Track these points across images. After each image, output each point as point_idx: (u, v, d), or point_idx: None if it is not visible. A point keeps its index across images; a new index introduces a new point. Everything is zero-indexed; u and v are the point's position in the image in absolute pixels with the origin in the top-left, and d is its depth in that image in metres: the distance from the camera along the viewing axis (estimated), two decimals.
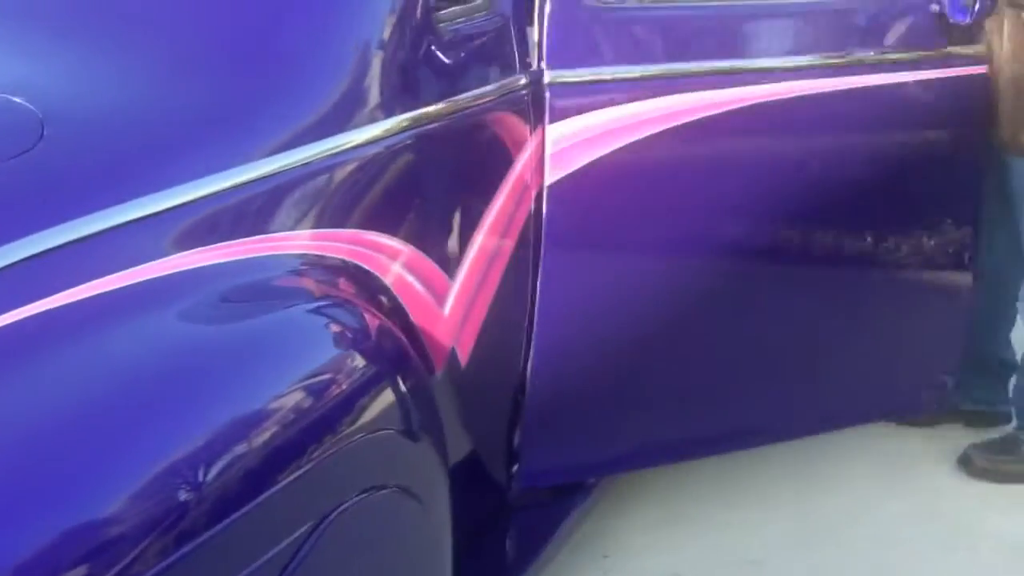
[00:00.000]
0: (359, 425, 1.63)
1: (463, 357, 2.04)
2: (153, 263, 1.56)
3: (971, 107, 2.69)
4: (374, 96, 1.91)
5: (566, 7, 2.16)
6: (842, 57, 2.49)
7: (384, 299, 1.85)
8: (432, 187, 2.01)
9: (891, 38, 2.57)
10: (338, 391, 1.61)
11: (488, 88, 2.08)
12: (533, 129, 2.14)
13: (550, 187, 2.15)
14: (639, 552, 2.68)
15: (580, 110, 2.17)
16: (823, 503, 2.87)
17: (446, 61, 2.04)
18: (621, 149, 2.20)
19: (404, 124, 1.92)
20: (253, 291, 1.66)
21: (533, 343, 2.21)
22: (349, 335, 1.69)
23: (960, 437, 3.09)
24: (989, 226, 2.86)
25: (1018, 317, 3.01)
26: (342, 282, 1.77)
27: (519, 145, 2.13)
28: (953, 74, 2.62)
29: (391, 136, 1.90)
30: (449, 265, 2.00)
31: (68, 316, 1.45)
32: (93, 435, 1.34)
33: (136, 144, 1.68)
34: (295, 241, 1.75)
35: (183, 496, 1.35)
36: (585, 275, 2.26)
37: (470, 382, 2.07)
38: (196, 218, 1.64)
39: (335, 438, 1.58)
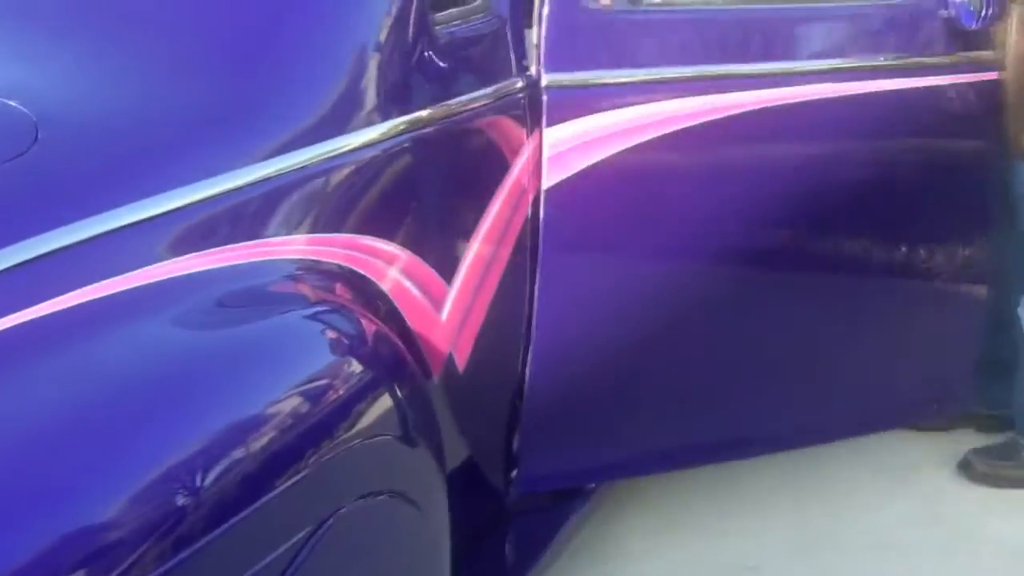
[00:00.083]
0: (356, 431, 1.62)
1: (461, 362, 2.03)
2: (148, 268, 1.55)
3: (981, 113, 2.67)
4: (370, 99, 1.91)
5: (564, 10, 2.16)
6: (847, 62, 2.47)
7: (381, 304, 1.84)
8: (429, 191, 1.99)
9: (899, 43, 2.55)
10: (334, 397, 1.61)
11: (485, 91, 2.07)
12: (530, 133, 2.13)
13: (547, 191, 2.14)
14: (638, 558, 2.67)
15: (578, 114, 2.16)
16: (822, 508, 2.86)
17: (443, 64, 2.03)
18: (619, 153, 2.19)
19: (400, 128, 1.91)
20: (249, 296, 1.65)
21: (531, 348, 2.20)
22: (345, 341, 1.68)
23: (960, 441, 3.08)
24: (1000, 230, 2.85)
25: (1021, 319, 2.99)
26: (338, 287, 1.76)
27: (516, 149, 2.12)
28: (963, 80, 2.60)
29: (387, 140, 1.89)
30: (446, 270, 1.99)
31: (63, 321, 1.44)
32: (88, 441, 1.33)
33: (131, 148, 1.67)
34: (291, 246, 1.74)
35: (179, 502, 1.34)
36: (583, 280, 2.25)
37: (468, 387, 2.06)
38: (191, 222, 1.63)
39: (332, 444, 1.57)
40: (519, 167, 2.12)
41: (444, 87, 2.02)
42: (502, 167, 2.10)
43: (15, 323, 1.38)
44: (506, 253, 2.12)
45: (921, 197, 2.63)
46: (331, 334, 1.68)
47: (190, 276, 1.60)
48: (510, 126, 2.12)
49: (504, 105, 2.10)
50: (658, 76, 2.26)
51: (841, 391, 2.69)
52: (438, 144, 2.00)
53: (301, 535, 1.49)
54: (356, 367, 1.66)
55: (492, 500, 2.31)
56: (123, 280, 1.51)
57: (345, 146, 1.83)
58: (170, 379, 1.46)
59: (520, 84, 2.13)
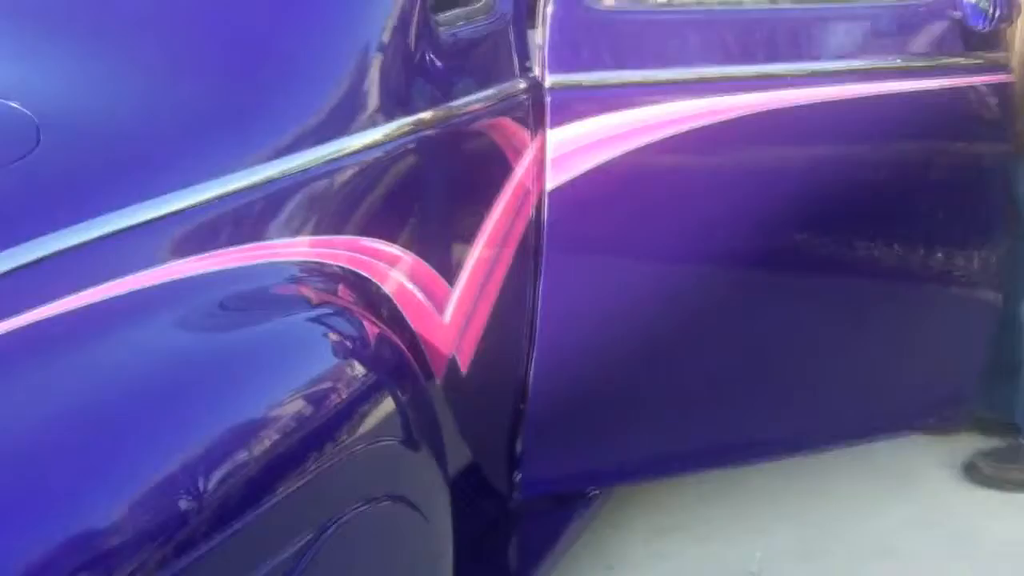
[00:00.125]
0: (358, 435, 1.61)
1: (464, 365, 2.02)
2: (151, 270, 1.54)
3: (989, 115, 2.65)
4: (373, 101, 1.89)
5: (568, 11, 2.14)
6: (852, 64, 2.46)
7: (383, 307, 1.83)
8: (432, 193, 1.98)
9: (906, 45, 2.53)
10: (337, 401, 1.60)
11: (488, 92, 2.06)
12: (534, 134, 2.12)
13: (551, 193, 2.13)
14: (641, 562, 2.67)
15: (582, 115, 2.15)
16: (825, 512, 2.86)
17: (446, 65, 2.02)
18: (623, 155, 2.17)
19: (403, 129, 1.90)
20: (251, 299, 1.64)
21: (534, 350, 2.19)
22: (348, 344, 1.67)
23: (964, 444, 3.08)
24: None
25: None
26: (341, 290, 1.75)
27: (519, 150, 2.11)
28: (972, 81, 2.58)
29: (390, 141, 1.88)
30: (449, 272, 1.98)
31: (64, 324, 1.43)
32: (90, 445, 1.32)
33: (133, 150, 1.66)
34: (293, 248, 1.73)
35: (181, 507, 1.34)
36: (587, 282, 2.23)
37: (471, 390, 2.05)
38: (193, 225, 1.62)
39: (334, 448, 1.57)
40: (522, 168, 2.11)
41: (447, 88, 2.01)
42: (505, 168, 2.09)
43: (17, 326, 1.38)
44: (509, 255, 2.11)
45: (927, 200, 2.62)
46: (333, 337, 1.67)
47: (193, 278, 1.59)
48: (513, 127, 2.10)
49: (507, 106, 2.09)
50: (663, 77, 2.25)
51: (847, 396, 2.66)
52: (441, 146, 1.99)
53: (304, 540, 1.48)
54: (358, 370, 1.65)
55: (495, 504, 2.30)
56: (125, 283, 1.51)
57: (348, 148, 1.82)
58: (171, 382, 1.45)
59: (523, 85, 2.12)
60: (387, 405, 1.68)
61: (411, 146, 1.92)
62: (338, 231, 1.80)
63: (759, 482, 2.91)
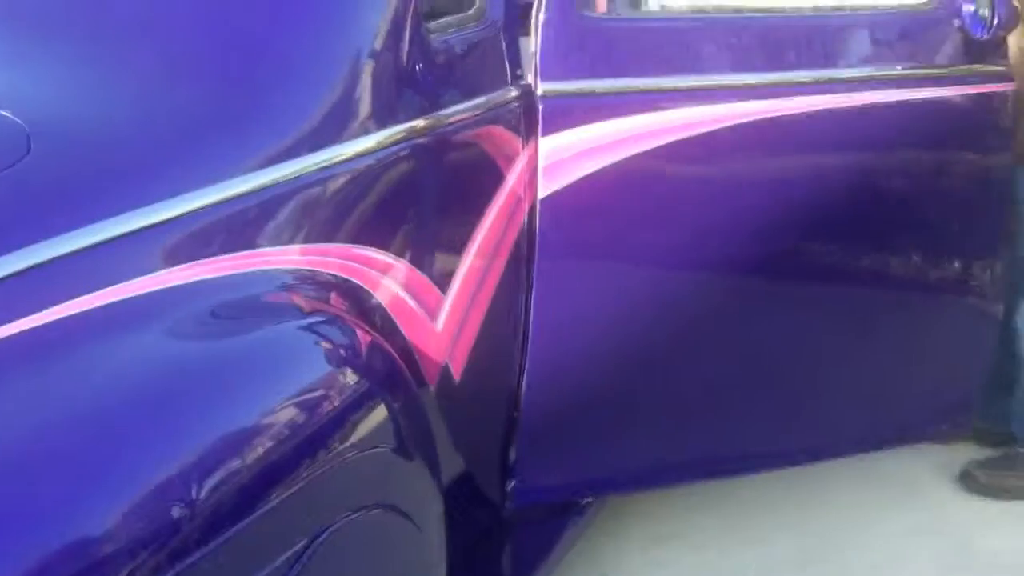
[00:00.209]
0: (350, 443, 1.61)
1: (456, 373, 2.02)
2: (141, 279, 1.54)
3: (990, 124, 2.65)
4: (364, 109, 1.89)
5: (561, 18, 2.14)
6: (848, 73, 2.45)
7: (376, 315, 1.83)
8: (424, 201, 1.98)
9: (905, 54, 2.53)
10: (329, 409, 1.59)
11: (480, 100, 2.06)
12: (526, 142, 2.12)
13: (543, 201, 2.12)
14: (637, 570, 2.66)
15: (574, 123, 2.14)
16: (823, 520, 2.85)
17: (438, 73, 2.02)
18: (615, 163, 2.17)
19: (395, 137, 1.90)
20: (242, 307, 1.63)
21: (527, 358, 2.19)
22: (340, 352, 1.67)
23: (960, 453, 3.07)
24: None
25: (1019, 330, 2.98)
26: (333, 298, 1.75)
27: (512, 158, 2.10)
28: (974, 90, 2.58)
29: (382, 149, 1.88)
30: (442, 280, 1.98)
31: (54, 333, 1.43)
32: (80, 453, 1.32)
33: (124, 158, 1.65)
34: (285, 256, 1.73)
35: (171, 516, 1.33)
36: (579, 290, 2.23)
37: (464, 398, 2.04)
38: (185, 233, 1.61)
39: (326, 456, 1.56)
40: (515, 176, 2.11)
41: (439, 96, 2.01)
42: (497, 176, 2.08)
43: (7, 334, 1.37)
44: (501, 263, 2.10)
45: (925, 209, 2.61)
46: (325, 345, 1.67)
47: (184, 287, 1.59)
48: (505, 135, 2.10)
49: (499, 114, 2.09)
50: (656, 86, 2.24)
51: (848, 406, 2.65)
52: (433, 153, 1.98)
53: (295, 549, 1.48)
54: (351, 378, 1.65)
55: (488, 512, 2.29)
56: (117, 291, 1.50)
57: (340, 156, 1.82)
58: (163, 391, 1.45)
59: (515, 93, 2.12)
60: (379, 413, 1.67)
61: (403, 154, 1.91)
62: (330, 239, 1.79)
63: (756, 490, 2.90)
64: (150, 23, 1.89)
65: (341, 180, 1.82)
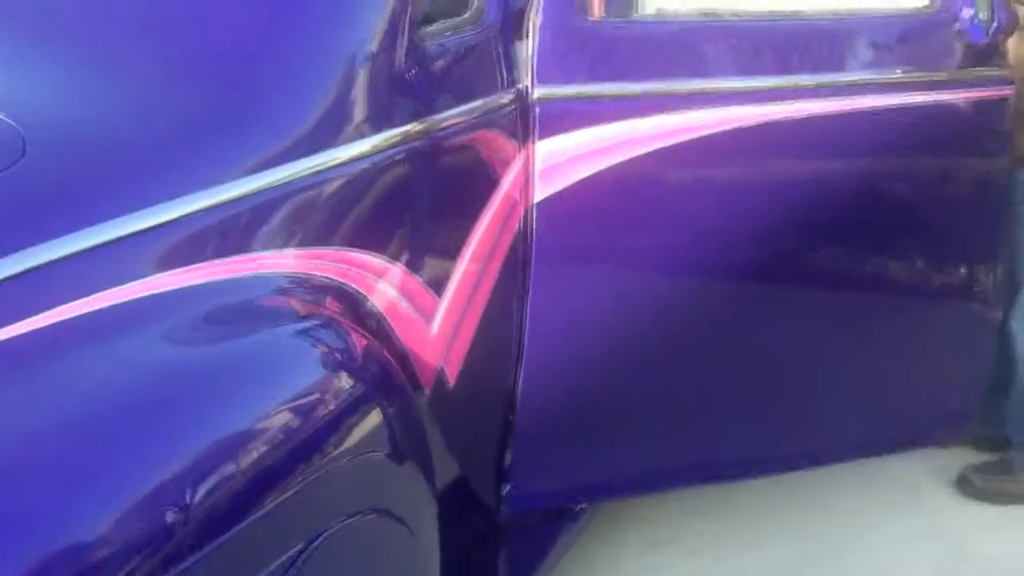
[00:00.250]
0: (344, 448, 1.61)
1: (451, 377, 2.01)
2: (136, 282, 1.54)
3: (989, 128, 2.64)
4: (360, 113, 1.89)
5: (556, 22, 2.14)
6: (846, 77, 2.45)
7: (370, 319, 1.82)
8: (419, 204, 1.97)
9: (905, 58, 2.52)
10: (323, 413, 1.59)
11: (476, 104, 2.05)
12: (521, 146, 2.12)
13: (538, 204, 2.12)
14: (634, 575, 2.65)
15: (569, 127, 2.14)
16: (819, 525, 2.85)
17: (433, 77, 2.02)
18: (610, 167, 2.17)
19: (391, 141, 1.90)
20: (237, 311, 1.63)
21: (523, 362, 2.18)
22: (334, 356, 1.67)
23: (957, 457, 3.07)
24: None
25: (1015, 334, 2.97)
26: (328, 302, 1.75)
27: (507, 162, 2.10)
28: (972, 95, 2.57)
29: (377, 153, 1.87)
30: (437, 283, 1.97)
31: (49, 337, 1.43)
32: (75, 458, 1.32)
33: (119, 161, 1.65)
34: (281, 260, 1.73)
35: (164, 521, 1.33)
36: (575, 293, 2.22)
37: (458, 402, 2.04)
38: (179, 237, 1.61)
39: (320, 461, 1.56)
40: (510, 180, 2.10)
41: (434, 100, 2.00)
42: (493, 180, 2.08)
43: (2, 338, 1.37)
44: (497, 267, 2.10)
45: (926, 215, 2.61)
46: (320, 349, 1.67)
47: (179, 291, 1.58)
48: (501, 139, 2.10)
49: (495, 118, 2.08)
50: (651, 89, 2.24)
51: (845, 412, 2.65)
52: (428, 157, 1.98)
53: (288, 555, 1.47)
54: (345, 383, 1.65)
55: (483, 518, 2.29)
56: (111, 295, 1.50)
57: (335, 159, 1.82)
58: (158, 395, 1.45)
59: (511, 97, 2.11)
60: (374, 418, 1.67)
61: (398, 158, 1.91)
62: (326, 243, 1.79)
63: (753, 495, 2.90)
64: (146, 26, 1.89)
65: (336, 184, 1.82)
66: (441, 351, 1.98)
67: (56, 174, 1.59)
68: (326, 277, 1.78)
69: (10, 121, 1.64)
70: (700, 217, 2.32)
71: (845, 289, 2.58)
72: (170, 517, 1.33)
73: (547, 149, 2.12)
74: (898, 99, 2.47)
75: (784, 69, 2.39)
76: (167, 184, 1.62)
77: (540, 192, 2.12)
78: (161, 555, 1.31)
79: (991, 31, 2.48)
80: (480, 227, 2.05)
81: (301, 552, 1.49)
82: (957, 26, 2.50)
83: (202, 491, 1.38)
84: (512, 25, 2.15)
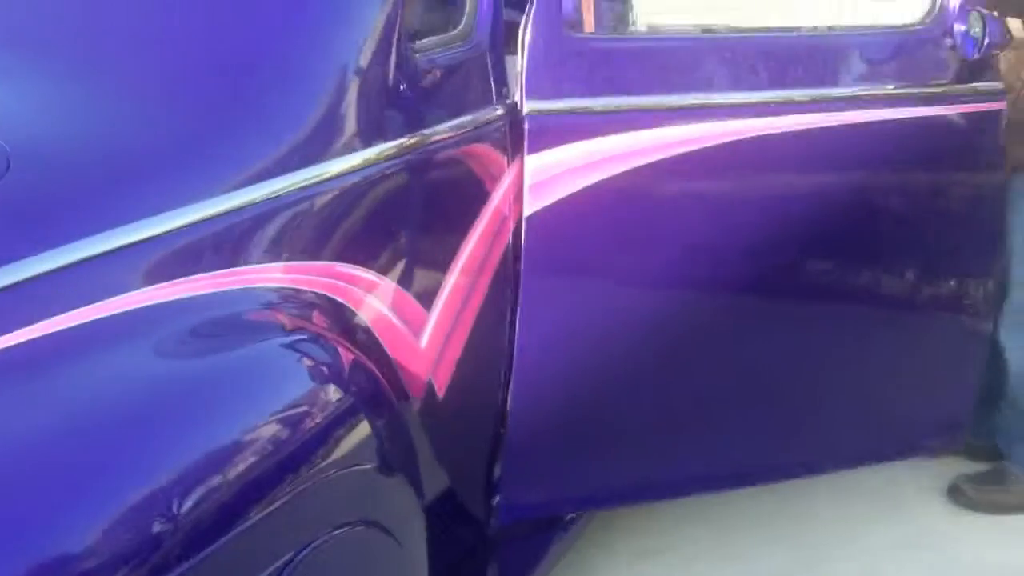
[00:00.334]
0: (331, 461, 1.61)
1: (440, 390, 2.02)
2: (121, 297, 1.54)
3: (982, 142, 2.65)
4: (350, 127, 1.90)
5: (547, 37, 2.14)
6: (844, 91, 2.45)
7: (359, 333, 1.83)
8: (409, 218, 1.99)
9: (898, 72, 2.53)
10: (310, 427, 1.60)
11: (466, 119, 2.06)
12: (512, 160, 2.13)
13: (529, 219, 2.13)
14: None
15: (560, 141, 2.15)
16: (813, 534, 2.86)
17: (423, 92, 2.03)
18: (601, 181, 2.17)
19: (381, 155, 1.91)
20: (224, 325, 1.64)
21: (513, 375, 2.19)
22: (322, 370, 1.67)
23: (949, 468, 3.08)
24: None
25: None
26: (315, 316, 1.76)
27: (497, 176, 2.11)
28: (965, 109, 2.58)
29: (367, 167, 1.88)
30: (426, 297, 1.98)
31: (34, 351, 1.43)
32: (59, 471, 1.33)
33: (105, 175, 1.66)
34: (268, 274, 1.73)
35: (151, 533, 1.34)
36: (565, 307, 2.23)
37: (448, 415, 2.05)
38: (166, 251, 1.62)
39: (307, 474, 1.57)
40: (500, 194, 2.11)
41: (425, 115, 2.02)
42: (483, 194, 2.09)
43: None
44: (487, 280, 2.11)
45: (919, 228, 2.61)
46: (307, 363, 1.67)
47: (166, 304, 1.59)
48: (491, 153, 2.11)
49: (485, 133, 2.09)
50: (642, 104, 2.24)
51: (837, 422, 2.65)
52: (418, 171, 1.99)
53: (276, 566, 1.49)
54: (332, 396, 1.66)
55: (473, 530, 2.29)
56: (97, 308, 1.51)
57: (325, 174, 1.82)
58: (143, 409, 1.46)
59: (501, 112, 2.12)
60: (361, 431, 1.68)
61: (388, 172, 1.92)
62: (314, 257, 1.80)
63: (745, 504, 2.90)
64: (134, 41, 1.90)
65: (326, 198, 1.83)
66: (430, 364, 1.99)
67: (43, 189, 1.60)
68: (315, 291, 1.78)
69: None
70: (691, 231, 2.33)
71: (838, 301, 2.59)
72: (158, 529, 1.34)
73: (537, 163, 2.13)
74: (891, 113, 2.48)
75: (776, 83, 2.40)
76: (155, 198, 1.63)
77: (530, 206, 2.13)
78: (149, 566, 1.32)
79: (983, 46, 2.50)
80: (470, 241, 2.06)
81: (288, 563, 1.50)
82: (950, 41, 2.51)
83: (190, 503, 1.39)
84: (502, 40, 2.16)
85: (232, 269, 1.68)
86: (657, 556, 2.76)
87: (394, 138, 1.93)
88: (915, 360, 2.68)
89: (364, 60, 1.94)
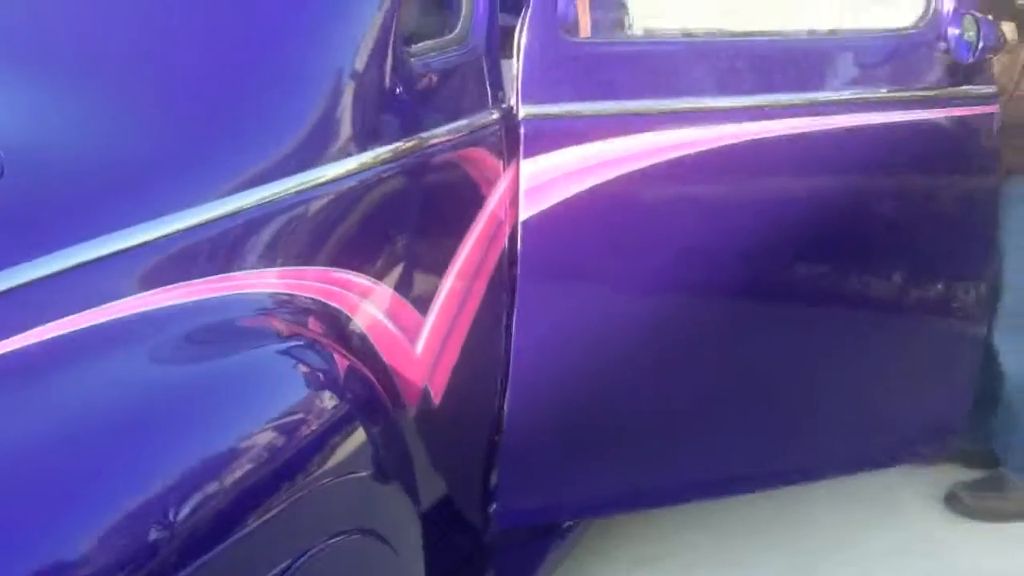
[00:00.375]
0: (327, 469, 1.61)
1: (436, 396, 2.01)
2: (116, 303, 1.54)
3: (976, 145, 2.65)
4: (345, 132, 1.89)
5: (542, 41, 2.14)
6: (837, 95, 2.45)
7: (354, 338, 1.82)
8: (404, 223, 1.98)
9: (892, 76, 2.52)
10: (305, 434, 1.59)
11: (462, 123, 2.06)
12: (507, 164, 2.12)
13: (524, 223, 2.12)
14: None
15: (556, 145, 2.14)
16: (809, 540, 2.85)
17: (419, 96, 2.02)
18: (597, 185, 2.17)
19: (376, 160, 1.90)
20: (218, 331, 1.63)
21: (509, 381, 2.17)
22: (317, 377, 1.67)
23: (946, 475, 3.08)
24: None
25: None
26: (311, 322, 1.75)
27: (493, 180, 2.10)
28: (959, 113, 2.58)
29: (363, 172, 1.88)
30: (422, 302, 1.97)
31: (29, 357, 1.43)
32: (52, 479, 1.32)
33: (99, 180, 1.65)
34: (264, 279, 1.73)
35: (145, 542, 1.34)
36: (561, 312, 2.22)
37: (444, 421, 2.04)
38: (160, 256, 1.61)
39: (302, 482, 1.56)
40: (496, 199, 2.10)
41: (420, 119, 2.01)
42: (479, 199, 2.08)
43: None
44: (482, 285, 2.10)
45: (912, 232, 2.61)
46: (302, 370, 1.67)
47: (161, 310, 1.58)
48: (487, 158, 2.10)
49: (481, 137, 2.08)
50: (637, 108, 2.24)
51: (831, 427, 2.64)
52: (414, 176, 1.98)
53: (272, 574, 1.47)
54: (327, 403, 1.65)
55: (469, 537, 2.28)
56: (91, 315, 1.50)
57: (319, 178, 1.82)
58: (138, 415, 1.45)
59: (497, 116, 2.11)
60: (356, 438, 1.67)
61: (384, 176, 1.91)
62: (309, 262, 1.79)
63: (742, 511, 2.90)
64: (128, 48, 1.89)
65: (321, 203, 1.82)
66: (426, 370, 1.98)
67: (35, 194, 1.59)
68: (309, 297, 1.78)
69: None
70: (686, 235, 2.33)
71: (832, 305, 2.58)
72: (152, 538, 1.34)
73: (533, 168, 2.12)
74: (885, 117, 2.48)
75: (771, 87, 2.40)
76: (150, 203, 1.62)
77: (526, 211, 2.12)
78: (144, 574, 1.30)
79: (978, 50, 2.50)
80: (466, 246, 2.05)
81: (284, 572, 1.49)
82: (944, 45, 2.51)
83: (185, 511, 1.38)
84: (498, 44, 2.15)
85: (227, 274, 1.68)
86: (656, 563, 2.75)
87: (390, 142, 1.92)
88: (908, 365, 2.68)
89: (360, 64, 1.93)
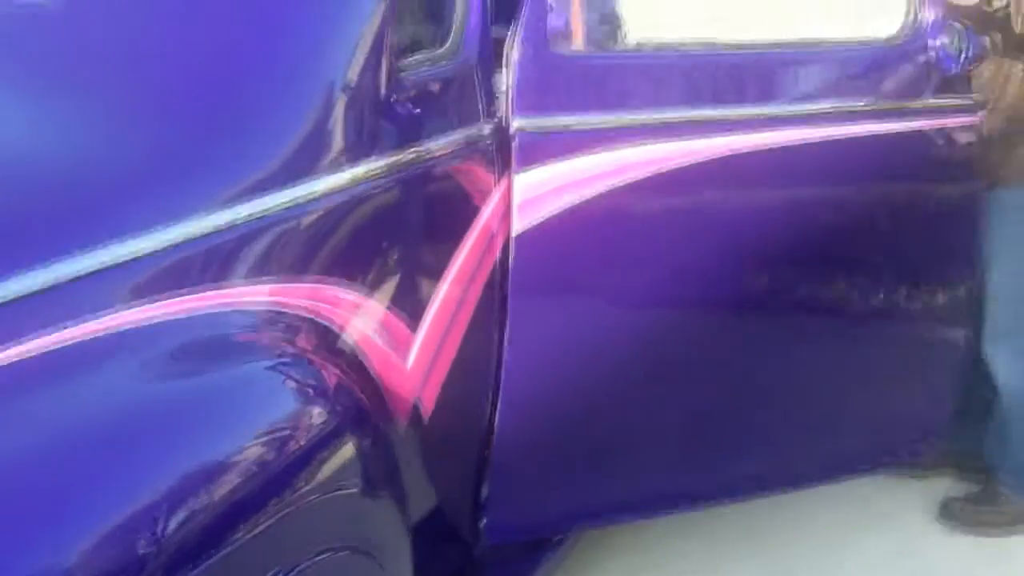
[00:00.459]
0: (315, 484, 1.61)
1: (427, 410, 2.00)
2: (104, 318, 1.53)
3: (961, 156, 2.65)
4: (337, 145, 1.88)
5: (534, 54, 2.13)
6: (824, 106, 2.44)
7: (344, 353, 1.82)
8: (395, 237, 1.97)
9: (877, 87, 2.52)
10: (294, 450, 1.59)
11: (454, 136, 2.05)
12: (500, 177, 2.11)
13: (517, 236, 2.11)
14: None
15: (548, 158, 2.13)
16: (804, 552, 2.85)
17: (411, 109, 2.01)
18: (590, 198, 2.16)
19: (368, 173, 1.89)
20: (208, 346, 1.63)
21: (500, 396, 2.17)
22: (306, 392, 1.66)
23: (939, 487, 3.08)
24: None
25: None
26: (301, 337, 1.74)
27: (486, 193, 2.10)
28: (943, 123, 2.58)
29: (355, 185, 1.87)
30: (412, 317, 1.97)
31: (17, 371, 1.42)
32: (39, 493, 1.32)
33: (89, 193, 1.64)
34: (253, 294, 1.72)
35: (134, 557, 1.33)
36: (553, 326, 2.21)
37: (434, 436, 2.03)
38: (150, 270, 1.60)
39: (290, 499, 1.56)
40: (488, 212, 2.10)
41: (412, 132, 1.99)
42: (471, 212, 2.07)
43: None
44: (474, 299, 2.09)
45: (897, 242, 2.61)
46: (292, 385, 1.66)
47: (149, 325, 1.58)
48: (479, 171, 2.09)
49: (473, 150, 2.08)
50: (630, 121, 2.23)
51: (826, 434, 2.65)
52: (406, 190, 1.97)
53: None
54: (316, 419, 1.64)
55: (459, 551, 2.28)
56: (80, 329, 1.49)
57: (311, 192, 1.81)
58: (124, 430, 1.45)
59: (489, 128, 2.11)
60: (345, 453, 1.67)
61: (376, 190, 1.90)
62: (300, 276, 1.78)
63: (733, 519, 2.90)
64: (119, 57, 1.89)
65: (312, 216, 1.81)
66: (416, 385, 1.98)
67: (24, 206, 1.58)
68: (299, 312, 1.77)
69: None
70: (678, 247, 2.32)
71: (816, 316, 2.59)
72: (140, 552, 1.34)
73: (526, 181, 2.11)
74: (872, 127, 2.48)
75: (763, 99, 2.40)
76: (139, 216, 1.61)
77: (519, 224, 2.11)
78: None
79: (962, 60, 2.50)
80: (458, 259, 2.05)
81: None
82: (927, 55, 2.51)
83: (171, 527, 1.38)
84: (490, 57, 2.14)
85: (218, 288, 1.67)
86: (647, 572, 2.75)
87: (382, 156, 1.92)
88: (889, 371, 2.69)
89: (352, 78, 1.92)
